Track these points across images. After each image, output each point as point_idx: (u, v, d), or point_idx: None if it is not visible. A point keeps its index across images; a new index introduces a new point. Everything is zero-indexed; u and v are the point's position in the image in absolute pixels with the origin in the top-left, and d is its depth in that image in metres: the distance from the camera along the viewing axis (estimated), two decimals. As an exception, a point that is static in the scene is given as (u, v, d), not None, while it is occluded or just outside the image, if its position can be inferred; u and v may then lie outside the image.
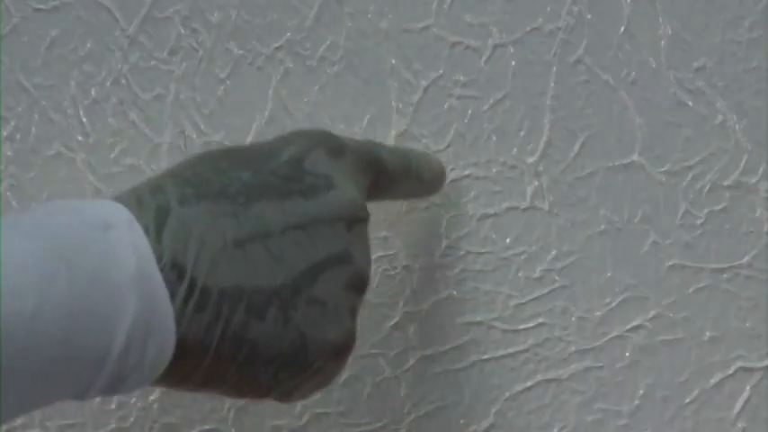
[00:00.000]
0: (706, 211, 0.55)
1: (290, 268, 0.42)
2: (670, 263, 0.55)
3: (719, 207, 0.55)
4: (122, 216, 0.38)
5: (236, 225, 0.41)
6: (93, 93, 0.56)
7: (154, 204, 0.40)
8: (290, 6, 0.56)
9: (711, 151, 0.55)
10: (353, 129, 0.56)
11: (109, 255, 0.37)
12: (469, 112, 0.56)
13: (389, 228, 0.56)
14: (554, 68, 0.55)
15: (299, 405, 0.56)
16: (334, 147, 0.45)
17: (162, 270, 0.38)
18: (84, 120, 0.56)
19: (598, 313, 0.55)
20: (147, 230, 0.39)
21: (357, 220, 0.44)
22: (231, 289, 0.40)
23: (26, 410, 0.36)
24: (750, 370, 0.55)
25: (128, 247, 0.38)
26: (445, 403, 0.56)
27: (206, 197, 0.41)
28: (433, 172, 0.53)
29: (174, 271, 0.39)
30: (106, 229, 0.37)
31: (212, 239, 0.40)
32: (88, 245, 0.37)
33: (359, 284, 0.44)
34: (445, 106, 0.56)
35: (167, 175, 0.42)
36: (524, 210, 0.55)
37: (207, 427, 0.57)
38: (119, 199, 0.40)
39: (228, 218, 0.41)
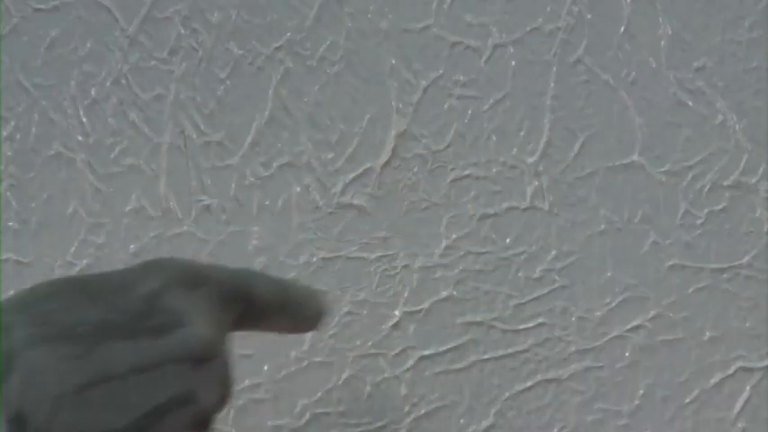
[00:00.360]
0: (706, 211, 0.55)
1: (131, 412, 0.42)
2: (670, 263, 0.55)
3: (719, 207, 0.55)
4: None
5: (80, 369, 0.41)
6: (93, 93, 0.56)
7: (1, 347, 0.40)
8: (290, 6, 0.56)
9: (711, 151, 0.55)
10: (353, 129, 0.56)
11: None
12: (469, 112, 0.56)
13: (389, 228, 0.56)
14: (554, 68, 0.55)
15: (298, 405, 0.56)
16: (192, 279, 0.45)
17: (8, 422, 0.39)
18: (84, 120, 0.56)
19: (598, 313, 0.55)
20: None
21: (206, 359, 0.44)
22: None
23: None
24: (750, 370, 0.55)
25: None
26: (445, 403, 0.56)
27: (52, 339, 0.41)
28: (312, 311, 0.51)
29: (15, 423, 0.39)
30: None
31: (54, 386, 0.41)
32: None
33: (203, 423, 0.45)
34: (445, 106, 0.56)
35: (16, 310, 0.42)
36: (524, 210, 0.55)
37: (207, 427, 0.57)
38: None
39: (72, 361, 0.41)
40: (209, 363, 0.45)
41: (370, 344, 0.56)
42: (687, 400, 0.55)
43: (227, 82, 0.56)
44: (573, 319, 0.55)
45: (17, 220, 0.56)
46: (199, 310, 0.45)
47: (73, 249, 0.56)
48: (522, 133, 0.56)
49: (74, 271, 0.56)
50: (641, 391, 0.55)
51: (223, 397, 0.46)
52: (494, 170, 0.56)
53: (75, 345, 0.42)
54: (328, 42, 0.56)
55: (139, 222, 0.56)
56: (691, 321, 0.55)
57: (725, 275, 0.55)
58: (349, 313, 0.56)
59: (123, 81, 0.56)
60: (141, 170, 0.56)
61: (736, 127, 0.55)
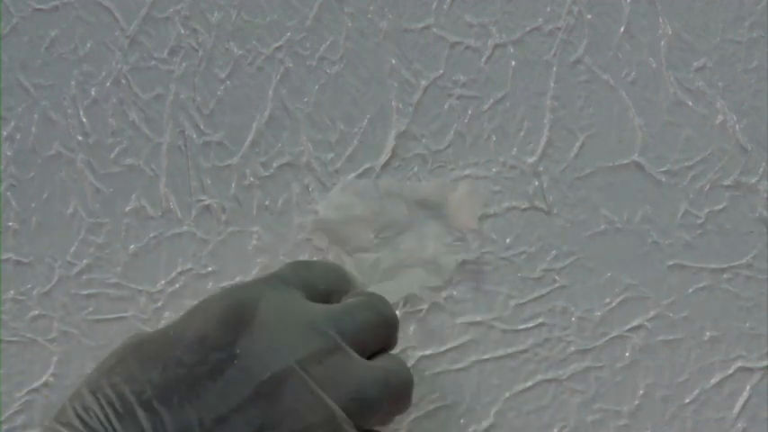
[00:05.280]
0: (706, 211, 0.55)
1: None
2: (670, 263, 0.55)
3: (719, 207, 0.55)
4: None
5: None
6: (93, 93, 0.56)
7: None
8: (290, 6, 0.56)
9: (711, 151, 0.55)
10: (353, 129, 0.56)
11: None
12: (469, 112, 0.56)
13: (389, 228, 0.56)
14: (554, 68, 0.55)
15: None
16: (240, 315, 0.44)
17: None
18: (84, 120, 0.56)
19: (598, 313, 0.55)
20: None
21: (278, 381, 0.43)
22: None
23: None
24: (750, 370, 0.55)
25: None
26: (445, 403, 0.56)
27: (125, 415, 0.41)
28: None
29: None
30: None
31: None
32: None
33: None
34: (445, 106, 0.56)
35: (91, 386, 0.42)
36: (524, 210, 0.55)
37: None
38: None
39: None
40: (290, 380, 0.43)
41: (370, 344, 0.56)
42: (687, 400, 0.55)
43: (227, 82, 0.56)
44: (573, 319, 0.55)
45: (17, 220, 0.56)
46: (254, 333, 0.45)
47: (73, 249, 0.56)
48: (522, 133, 0.55)
49: (73, 271, 0.56)
50: (641, 391, 0.55)
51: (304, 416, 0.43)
52: (494, 170, 0.56)
53: (147, 416, 0.41)
54: (328, 42, 0.56)
55: (139, 222, 0.56)
56: (691, 321, 0.55)
57: (725, 275, 0.55)
58: (349, 313, 0.56)
59: (123, 81, 0.56)
60: (141, 170, 0.56)
61: (736, 127, 0.55)
